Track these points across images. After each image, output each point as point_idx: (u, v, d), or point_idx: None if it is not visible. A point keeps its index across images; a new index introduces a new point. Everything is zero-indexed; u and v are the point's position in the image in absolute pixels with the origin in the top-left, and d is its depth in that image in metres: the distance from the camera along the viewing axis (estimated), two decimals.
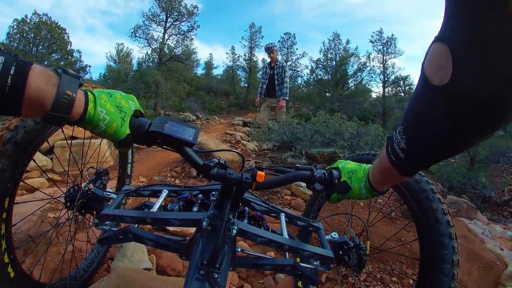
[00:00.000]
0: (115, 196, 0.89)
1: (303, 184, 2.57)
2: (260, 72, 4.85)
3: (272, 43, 4.68)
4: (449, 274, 0.80)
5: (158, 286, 0.95)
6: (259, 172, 0.68)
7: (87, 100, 0.51)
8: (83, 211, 0.88)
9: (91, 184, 0.90)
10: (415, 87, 0.48)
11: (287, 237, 0.82)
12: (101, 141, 1.96)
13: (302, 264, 0.81)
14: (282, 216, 0.93)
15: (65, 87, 0.47)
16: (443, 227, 0.83)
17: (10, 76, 0.41)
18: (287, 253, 0.86)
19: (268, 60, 4.81)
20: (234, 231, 0.66)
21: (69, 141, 2.72)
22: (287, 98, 4.44)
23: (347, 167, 0.78)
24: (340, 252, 0.85)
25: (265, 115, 4.65)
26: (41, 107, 0.46)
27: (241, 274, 1.54)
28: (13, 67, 0.41)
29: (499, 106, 0.36)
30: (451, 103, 0.39)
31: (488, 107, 0.36)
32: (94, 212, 0.88)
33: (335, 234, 0.90)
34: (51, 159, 2.64)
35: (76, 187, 0.93)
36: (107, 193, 0.89)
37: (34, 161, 0.91)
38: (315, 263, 0.84)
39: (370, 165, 0.76)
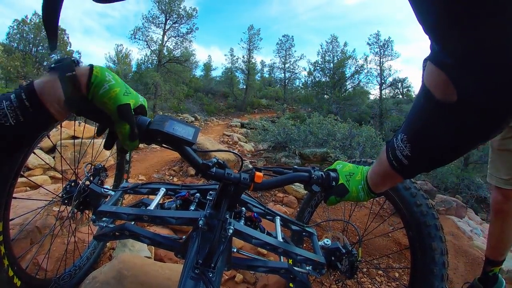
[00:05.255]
0: (113, 193, 0.89)
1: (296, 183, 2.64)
2: None
3: None
4: None
5: (156, 269, 1.05)
6: (257, 173, 0.67)
7: (92, 68, 0.54)
8: (81, 207, 0.87)
9: (88, 180, 0.88)
10: (415, 94, 0.51)
11: (282, 240, 0.82)
12: (102, 140, 2.03)
13: (295, 268, 0.81)
14: (277, 219, 0.94)
15: (64, 70, 0.50)
16: (435, 243, 0.84)
17: (25, 100, 0.47)
18: (281, 256, 0.86)
19: None
20: (230, 231, 0.65)
21: (68, 141, 2.81)
22: None
23: (345, 170, 0.77)
24: (332, 258, 0.86)
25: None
26: (58, 96, 0.50)
27: None
28: (22, 93, 0.47)
29: (507, 112, 0.36)
30: (463, 118, 0.39)
31: (498, 115, 0.37)
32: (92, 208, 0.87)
33: (327, 241, 0.91)
34: (54, 157, 2.73)
35: (72, 184, 0.91)
36: (105, 189, 0.88)
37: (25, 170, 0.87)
38: (307, 268, 0.84)
39: (367, 167, 0.74)
